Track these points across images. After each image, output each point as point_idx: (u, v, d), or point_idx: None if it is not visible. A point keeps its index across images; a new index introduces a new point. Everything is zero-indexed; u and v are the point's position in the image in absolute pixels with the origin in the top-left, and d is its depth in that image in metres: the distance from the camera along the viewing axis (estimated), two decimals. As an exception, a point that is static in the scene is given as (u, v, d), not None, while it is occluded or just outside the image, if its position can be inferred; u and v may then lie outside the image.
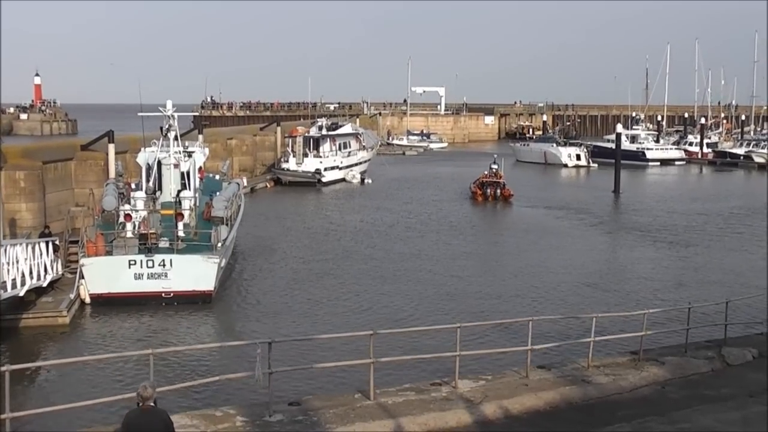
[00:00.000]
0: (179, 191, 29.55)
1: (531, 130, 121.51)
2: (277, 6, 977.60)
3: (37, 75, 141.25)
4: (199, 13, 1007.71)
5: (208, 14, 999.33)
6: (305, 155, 61.99)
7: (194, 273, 25.39)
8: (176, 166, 30.63)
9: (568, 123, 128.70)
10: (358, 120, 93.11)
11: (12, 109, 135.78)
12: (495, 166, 54.80)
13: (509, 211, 49.94)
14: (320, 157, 62.49)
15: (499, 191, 53.23)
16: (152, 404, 9.14)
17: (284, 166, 61.83)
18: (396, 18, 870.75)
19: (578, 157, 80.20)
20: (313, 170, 61.01)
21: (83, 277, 24.99)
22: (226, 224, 28.46)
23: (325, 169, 61.93)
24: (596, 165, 79.09)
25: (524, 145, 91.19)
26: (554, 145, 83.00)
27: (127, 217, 26.47)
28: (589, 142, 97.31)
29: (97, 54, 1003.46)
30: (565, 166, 78.93)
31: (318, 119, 68.97)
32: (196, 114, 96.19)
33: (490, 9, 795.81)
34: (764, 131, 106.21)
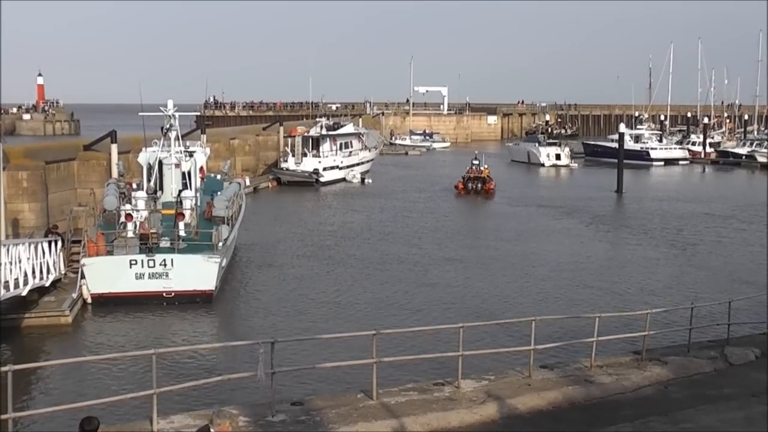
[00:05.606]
0: (180, 191, 29.54)
1: (549, 129, 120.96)
2: (279, 5, 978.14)
3: (39, 75, 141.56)
4: (201, 12, 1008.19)
5: (210, 13, 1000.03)
6: (304, 155, 62.06)
7: (195, 273, 25.37)
8: (177, 165, 30.62)
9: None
10: (360, 120, 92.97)
11: (15, 109, 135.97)
12: (476, 162, 57.99)
13: (509, 210, 49.93)
14: (319, 156, 62.52)
15: (480, 185, 56.54)
16: None
17: (283, 165, 61.91)
18: (398, 17, 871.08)
19: (558, 157, 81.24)
20: (311, 170, 61.07)
21: (84, 277, 25.00)
22: (227, 224, 28.45)
23: (324, 169, 61.94)
24: (577, 164, 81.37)
25: (515, 144, 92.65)
26: (536, 144, 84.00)
27: (128, 216, 26.46)
28: (591, 141, 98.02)
29: (98, 54, 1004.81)
30: (542, 165, 79.87)
31: (319, 119, 68.97)
32: (199, 114, 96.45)
33: (493, 9, 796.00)
34: (767, 131, 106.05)
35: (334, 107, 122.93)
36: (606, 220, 46.82)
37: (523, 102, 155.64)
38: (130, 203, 27.95)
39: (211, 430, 8.68)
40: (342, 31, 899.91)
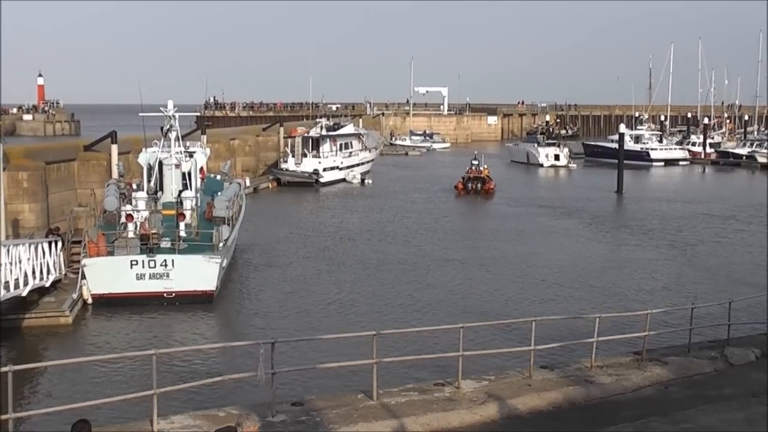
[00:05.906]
0: (180, 191, 29.55)
1: (549, 129, 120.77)
2: (279, 5, 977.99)
3: (40, 75, 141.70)
4: (201, 12, 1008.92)
5: (210, 13, 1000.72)
6: (304, 155, 62.08)
7: (196, 273, 25.37)
8: (177, 166, 30.60)
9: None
10: (361, 120, 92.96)
11: (15, 110, 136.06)
12: (476, 162, 58.74)
13: (508, 211, 49.93)
14: (319, 157, 62.52)
15: (480, 186, 57.18)
16: None
17: (283, 166, 61.92)
18: (398, 17, 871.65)
19: (556, 158, 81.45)
20: (311, 170, 61.10)
21: (85, 278, 25.01)
22: (228, 224, 28.47)
23: (324, 170, 61.94)
24: (576, 165, 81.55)
25: (515, 145, 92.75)
26: (536, 145, 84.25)
27: (129, 217, 26.45)
28: (591, 142, 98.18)
29: (98, 54, 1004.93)
30: (541, 165, 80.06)
31: (319, 119, 68.97)
32: (199, 114, 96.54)
33: (493, 9, 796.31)
34: (767, 131, 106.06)
35: (334, 107, 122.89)
36: (606, 220, 46.82)
37: (523, 102, 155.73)
38: (131, 204, 27.93)
39: (239, 431, 8.62)
40: (342, 31, 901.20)
